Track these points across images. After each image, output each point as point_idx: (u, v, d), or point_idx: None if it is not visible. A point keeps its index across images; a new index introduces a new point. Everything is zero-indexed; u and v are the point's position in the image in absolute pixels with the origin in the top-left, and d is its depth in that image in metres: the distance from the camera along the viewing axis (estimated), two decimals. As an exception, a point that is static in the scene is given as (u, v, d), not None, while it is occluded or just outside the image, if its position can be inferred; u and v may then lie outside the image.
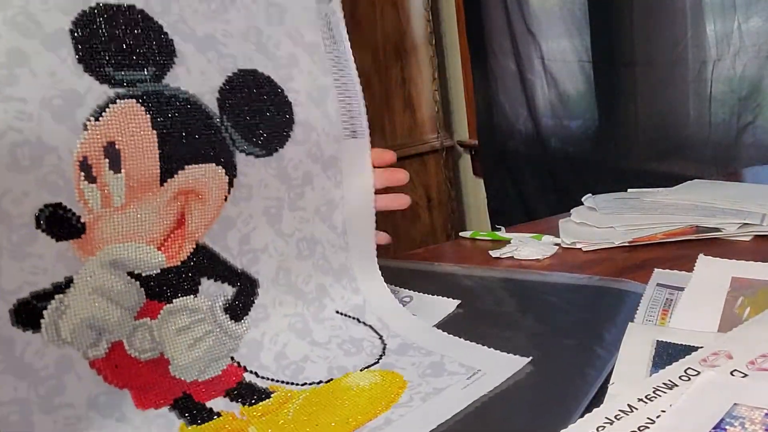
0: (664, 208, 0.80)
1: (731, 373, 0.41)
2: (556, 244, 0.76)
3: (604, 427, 0.38)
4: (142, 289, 0.46)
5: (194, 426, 0.44)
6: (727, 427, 0.36)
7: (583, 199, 0.88)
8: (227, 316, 0.50)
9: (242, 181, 0.51)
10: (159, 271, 0.47)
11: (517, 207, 2.00)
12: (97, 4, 0.44)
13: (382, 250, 0.62)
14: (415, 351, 0.53)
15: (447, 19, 2.25)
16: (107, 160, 0.44)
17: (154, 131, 0.46)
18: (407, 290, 0.65)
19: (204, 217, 0.49)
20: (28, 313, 0.40)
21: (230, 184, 0.50)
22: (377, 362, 0.52)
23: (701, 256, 0.63)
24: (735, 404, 0.37)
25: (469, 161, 2.33)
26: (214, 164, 0.49)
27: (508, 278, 0.68)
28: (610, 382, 0.44)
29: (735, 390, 0.39)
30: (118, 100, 0.44)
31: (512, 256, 0.74)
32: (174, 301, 0.48)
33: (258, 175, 0.52)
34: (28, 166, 0.40)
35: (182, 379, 0.47)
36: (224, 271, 0.51)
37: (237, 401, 0.47)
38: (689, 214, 0.76)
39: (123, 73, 0.45)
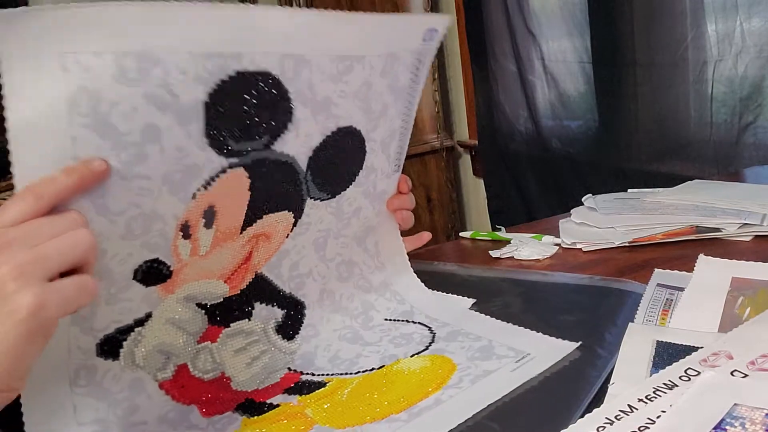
0: (664, 209, 0.80)
1: (731, 374, 0.41)
2: (557, 245, 0.76)
3: (605, 427, 0.38)
4: (206, 316, 0.49)
5: (255, 416, 0.47)
6: (727, 427, 0.36)
7: (583, 200, 0.88)
8: (279, 336, 0.53)
9: (304, 221, 0.53)
10: (222, 300, 0.50)
11: (518, 207, 2.00)
12: (237, 73, 0.43)
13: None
14: (464, 337, 0.55)
15: (447, 20, 2.25)
16: (203, 220, 0.45)
17: (249, 192, 0.47)
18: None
19: (267, 252, 0.51)
20: (111, 345, 0.44)
21: (294, 224, 0.52)
22: (427, 348, 0.54)
23: (701, 256, 0.63)
24: (735, 404, 0.37)
25: (469, 162, 2.33)
26: (286, 211, 0.51)
27: (508, 278, 0.67)
28: (611, 382, 0.44)
29: (735, 390, 0.39)
30: (228, 170, 0.45)
31: (512, 257, 0.74)
32: (231, 325, 0.50)
33: (318, 214, 0.54)
34: (139, 234, 0.42)
35: (243, 390, 0.50)
36: (275, 296, 0.53)
37: (294, 394, 0.49)
38: (689, 215, 0.76)
39: (240, 144, 0.45)
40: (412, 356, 0.53)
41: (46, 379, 0.41)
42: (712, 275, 0.59)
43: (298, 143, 0.48)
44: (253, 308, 0.52)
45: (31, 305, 0.34)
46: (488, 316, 0.57)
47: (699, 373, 0.42)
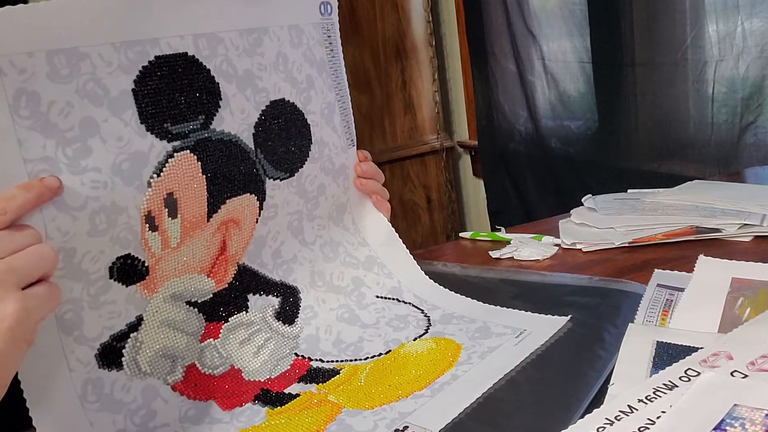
0: (664, 209, 0.80)
1: (731, 374, 0.41)
2: (556, 245, 0.76)
3: (605, 427, 0.38)
4: (201, 314, 0.50)
5: (279, 407, 0.48)
6: (727, 427, 0.36)
7: (583, 200, 0.88)
8: (280, 322, 0.54)
9: (270, 203, 0.54)
10: (211, 296, 0.51)
11: (517, 208, 2.00)
12: (156, 57, 0.45)
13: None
14: (457, 320, 0.57)
15: (447, 21, 2.25)
16: (166, 209, 0.46)
17: (203, 176, 0.48)
18: None
19: (241, 240, 0.53)
20: (111, 354, 0.44)
21: (260, 207, 0.54)
22: (426, 332, 0.56)
23: (701, 256, 0.63)
24: (735, 405, 0.37)
25: (469, 162, 2.33)
26: (249, 194, 0.52)
27: (508, 279, 0.67)
28: (611, 382, 0.44)
29: (735, 391, 0.39)
30: (175, 154, 0.46)
31: (512, 257, 0.74)
32: (230, 319, 0.51)
33: (282, 195, 0.56)
34: (104, 228, 0.43)
35: (257, 380, 0.50)
36: (266, 285, 0.55)
37: (311, 382, 0.51)
38: (689, 215, 0.76)
39: (179, 126, 0.47)
40: (414, 340, 0.55)
41: (54, 401, 0.41)
42: (712, 276, 0.59)
43: (235, 121, 0.50)
44: (248, 300, 0.53)
45: (15, 312, 0.35)
46: (473, 300, 0.60)
47: (699, 373, 0.42)
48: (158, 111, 0.45)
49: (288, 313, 0.55)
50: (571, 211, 0.85)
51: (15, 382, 0.38)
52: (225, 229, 0.51)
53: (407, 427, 0.43)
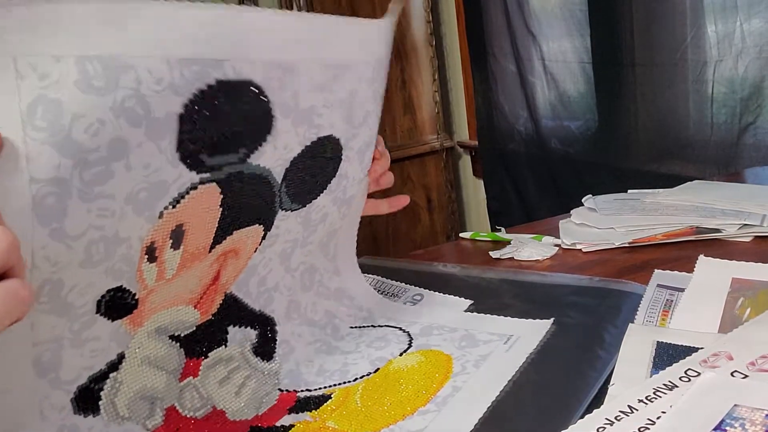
0: (664, 209, 0.80)
1: (732, 374, 0.41)
2: (557, 245, 0.76)
3: (605, 427, 0.38)
4: (182, 349, 0.45)
5: None
6: (727, 428, 0.36)
7: (583, 200, 0.88)
8: (258, 358, 0.50)
9: (273, 233, 0.49)
10: (194, 328, 0.46)
11: (517, 208, 2.00)
12: (217, 82, 0.38)
13: (381, 251, 0.63)
14: (438, 330, 0.55)
15: (447, 21, 2.25)
16: (171, 241, 0.41)
17: (220, 208, 0.43)
18: (417, 288, 0.66)
19: (235, 269, 0.48)
20: (88, 398, 0.39)
21: (264, 237, 0.49)
22: (410, 345, 0.54)
23: (701, 257, 0.63)
24: (735, 405, 0.37)
25: (469, 162, 2.33)
26: (257, 225, 0.47)
27: (508, 279, 0.67)
28: (611, 382, 0.44)
29: (735, 391, 0.39)
30: (200, 186, 0.40)
31: (512, 257, 0.74)
32: (209, 354, 0.47)
33: (286, 225, 0.50)
34: (99, 260, 0.37)
35: (243, 419, 0.46)
36: (246, 315, 0.50)
37: (302, 411, 0.47)
38: (689, 215, 0.76)
39: (215, 158, 0.41)
40: (400, 355, 0.52)
41: None
42: (712, 276, 0.59)
43: (275, 156, 0.45)
44: (227, 333, 0.48)
45: None
46: (453, 309, 0.59)
47: (699, 373, 0.42)
48: (200, 140, 0.39)
49: (265, 347, 0.51)
50: (571, 212, 0.85)
51: None
52: (223, 260, 0.46)
53: None
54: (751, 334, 0.46)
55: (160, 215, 0.39)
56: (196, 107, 0.38)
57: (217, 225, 0.43)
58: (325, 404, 0.47)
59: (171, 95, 0.36)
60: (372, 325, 0.58)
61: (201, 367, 0.46)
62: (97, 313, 0.38)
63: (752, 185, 0.99)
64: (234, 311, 0.49)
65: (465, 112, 2.27)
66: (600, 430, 0.38)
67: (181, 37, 0.36)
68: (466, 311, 0.60)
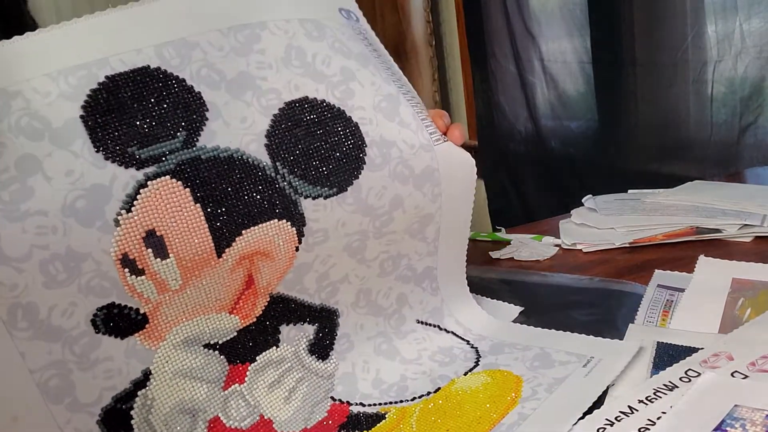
0: (664, 209, 0.80)
1: (732, 375, 0.41)
2: (557, 245, 0.76)
3: (605, 428, 0.38)
4: (222, 356, 0.43)
5: None
6: (727, 428, 0.36)
7: (583, 200, 0.88)
8: (314, 357, 0.47)
9: (314, 228, 0.45)
10: (235, 334, 0.44)
11: (518, 208, 2.00)
12: (106, 78, 0.39)
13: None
14: (510, 348, 0.51)
15: (447, 21, 2.25)
16: (150, 250, 0.39)
17: (197, 204, 0.41)
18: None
19: (275, 271, 0.45)
20: (117, 419, 0.39)
21: (300, 233, 0.45)
22: (477, 364, 0.49)
23: (702, 257, 0.63)
24: (736, 405, 0.37)
25: (469, 162, 2.33)
26: (276, 220, 0.44)
27: (508, 279, 0.67)
28: (611, 383, 0.44)
29: (736, 391, 0.39)
30: (149, 182, 0.39)
31: (512, 257, 0.74)
32: (257, 358, 0.45)
33: (332, 217, 0.46)
34: (64, 279, 0.37)
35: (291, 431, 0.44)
36: (302, 311, 0.47)
37: (354, 430, 0.44)
38: (690, 215, 0.76)
39: (149, 149, 0.40)
40: (465, 374, 0.48)
41: None
42: (712, 276, 0.59)
43: (233, 132, 0.42)
44: (279, 332, 0.46)
45: None
46: (523, 325, 0.54)
47: (699, 374, 0.42)
48: (118, 134, 0.39)
49: (322, 344, 0.48)
50: (572, 212, 0.85)
51: None
52: (250, 263, 0.44)
53: None
54: (752, 335, 0.46)
55: (117, 222, 0.38)
56: (95, 107, 0.38)
57: (206, 224, 0.41)
58: (378, 425, 0.44)
59: (64, 102, 0.38)
60: (438, 326, 0.54)
61: (248, 372, 0.44)
62: (97, 333, 0.38)
63: (752, 185, 0.99)
64: (285, 310, 0.46)
65: (465, 112, 2.27)
66: (600, 430, 0.38)
67: (55, 52, 0.38)
68: (516, 321, 0.56)
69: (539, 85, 1.79)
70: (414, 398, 0.46)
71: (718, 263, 0.61)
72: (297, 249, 0.45)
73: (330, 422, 0.45)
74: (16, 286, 0.35)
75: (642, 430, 0.37)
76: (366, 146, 0.47)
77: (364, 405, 0.46)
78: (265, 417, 0.44)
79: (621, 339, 0.50)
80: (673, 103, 1.40)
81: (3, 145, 0.36)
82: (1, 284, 0.35)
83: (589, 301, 0.59)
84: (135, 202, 0.39)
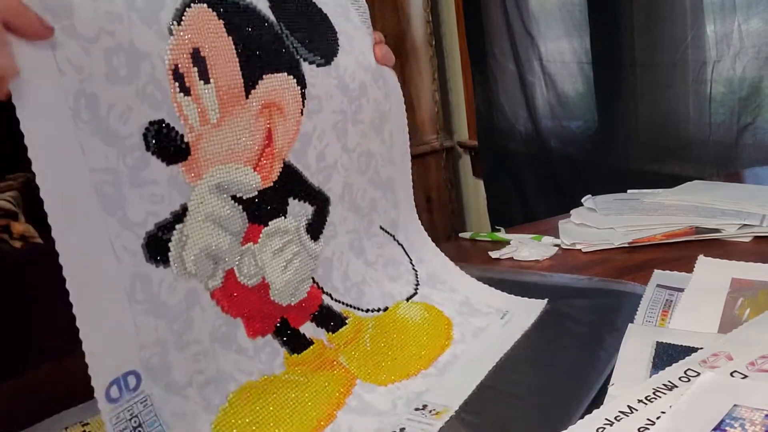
0: (664, 209, 0.80)
1: (731, 375, 0.41)
2: (556, 245, 0.76)
3: (605, 428, 0.38)
4: (245, 213, 0.46)
5: (295, 355, 0.48)
6: (727, 428, 0.36)
7: (582, 200, 0.88)
8: (308, 236, 0.52)
9: (312, 93, 0.51)
10: (256, 193, 0.47)
11: (517, 208, 2.00)
12: None
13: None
14: (441, 285, 0.60)
15: (447, 21, 2.25)
16: (196, 69, 0.42)
17: (230, 37, 0.44)
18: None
19: (287, 133, 0.49)
20: (157, 247, 0.40)
21: (303, 96, 0.50)
22: (416, 292, 0.59)
23: (701, 257, 0.63)
24: (735, 405, 0.37)
25: (469, 162, 2.33)
26: (285, 73, 0.49)
27: (507, 279, 0.67)
28: (610, 383, 0.44)
29: (735, 391, 0.39)
30: (192, 4, 0.42)
31: (512, 257, 0.74)
32: (269, 223, 0.48)
33: (324, 86, 0.52)
34: (126, 75, 0.38)
35: (279, 303, 0.48)
36: (306, 190, 0.51)
37: (322, 327, 0.51)
38: (689, 215, 0.76)
39: None
40: (407, 300, 0.58)
41: (99, 297, 0.36)
42: (711, 276, 0.59)
43: None
44: (287, 204, 0.50)
45: None
46: (452, 263, 0.63)
47: (699, 374, 0.42)
48: None
49: (316, 225, 0.53)
50: (571, 212, 0.85)
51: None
52: (269, 115, 0.47)
53: (426, 405, 0.45)
54: (751, 335, 0.46)
55: (171, 32, 0.41)
56: None
57: (237, 59, 0.45)
58: (340, 330, 0.51)
59: None
60: (393, 236, 0.61)
61: (261, 235, 0.47)
62: (148, 150, 0.39)
63: (752, 185, 0.99)
64: (294, 182, 0.50)
65: (465, 112, 2.27)
66: (600, 430, 0.38)
67: None
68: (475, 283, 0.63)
69: (539, 86, 1.79)
70: (368, 310, 0.55)
71: (718, 263, 0.62)
72: (302, 113, 0.50)
73: (308, 304, 0.50)
74: (82, 69, 0.35)
75: (641, 429, 0.37)
76: (338, 33, 0.55)
77: (332, 298, 0.53)
78: (266, 280, 0.47)
79: (621, 339, 0.50)
80: (672, 104, 1.40)
81: None
82: (69, 62, 0.35)
83: (588, 301, 0.59)
84: (183, 17, 0.41)
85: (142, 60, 0.39)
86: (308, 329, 0.50)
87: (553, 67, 1.72)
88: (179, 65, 0.41)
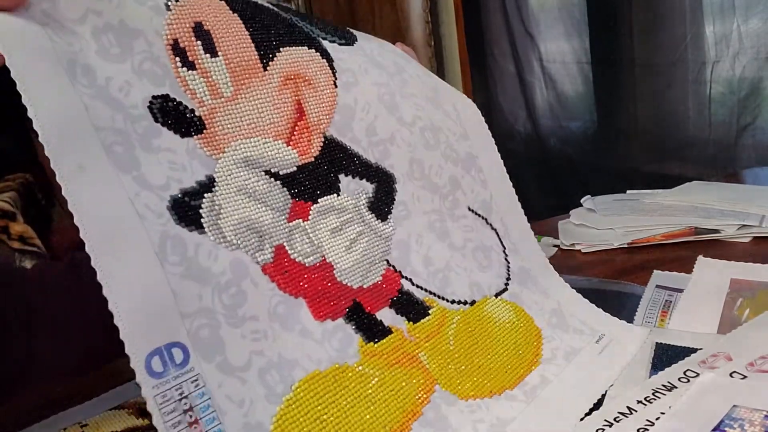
0: (663, 210, 0.80)
1: (730, 375, 0.41)
2: (555, 246, 0.76)
3: (604, 429, 0.38)
4: (285, 188, 0.43)
5: (372, 343, 0.43)
6: (726, 428, 0.36)
7: (582, 201, 0.88)
8: (373, 215, 0.48)
9: (342, 66, 0.48)
10: (295, 168, 0.44)
11: (517, 208, 2.00)
12: None
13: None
14: (533, 285, 0.55)
15: (446, 21, 2.25)
16: (199, 42, 0.40)
17: (235, 14, 0.43)
18: None
19: (321, 104, 0.47)
20: (187, 211, 0.37)
21: (331, 68, 0.48)
22: (506, 288, 0.53)
23: (700, 257, 0.63)
24: (734, 406, 0.37)
25: (468, 162, 2.33)
26: (306, 47, 0.47)
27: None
28: (610, 384, 0.44)
29: (734, 392, 0.39)
30: None
31: (511, 258, 0.74)
32: (319, 200, 0.45)
33: (354, 61, 0.50)
34: (118, 54, 0.36)
35: (349, 285, 0.44)
36: (360, 166, 0.48)
37: (401, 315, 0.46)
38: (688, 216, 0.76)
39: None
40: (496, 296, 0.51)
41: (125, 253, 0.33)
42: (711, 277, 0.59)
43: None
44: (339, 181, 0.46)
45: None
46: (551, 265, 0.58)
47: (698, 374, 0.42)
48: None
49: (382, 204, 0.48)
50: (570, 212, 0.85)
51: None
52: (294, 87, 0.45)
53: None
54: (750, 335, 0.46)
55: (168, 7, 0.39)
56: None
57: (247, 33, 0.43)
58: (422, 320, 0.46)
59: None
60: (486, 219, 0.55)
61: (311, 211, 0.44)
62: (156, 122, 0.38)
63: (751, 186, 0.99)
64: (343, 158, 0.47)
65: (464, 112, 2.27)
66: (599, 431, 0.38)
67: None
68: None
69: (538, 86, 1.79)
70: (453, 301, 0.49)
71: (717, 264, 0.62)
72: (335, 85, 0.48)
73: (384, 287, 0.46)
74: (71, 44, 0.35)
75: (641, 430, 0.37)
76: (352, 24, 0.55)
77: (413, 283, 0.48)
78: (327, 260, 0.44)
79: (620, 339, 0.49)
80: (672, 104, 1.40)
81: None
82: (59, 36, 0.34)
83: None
84: None
85: (135, 37, 0.38)
86: (386, 316, 0.45)
87: (553, 67, 1.72)
88: (179, 40, 0.40)
